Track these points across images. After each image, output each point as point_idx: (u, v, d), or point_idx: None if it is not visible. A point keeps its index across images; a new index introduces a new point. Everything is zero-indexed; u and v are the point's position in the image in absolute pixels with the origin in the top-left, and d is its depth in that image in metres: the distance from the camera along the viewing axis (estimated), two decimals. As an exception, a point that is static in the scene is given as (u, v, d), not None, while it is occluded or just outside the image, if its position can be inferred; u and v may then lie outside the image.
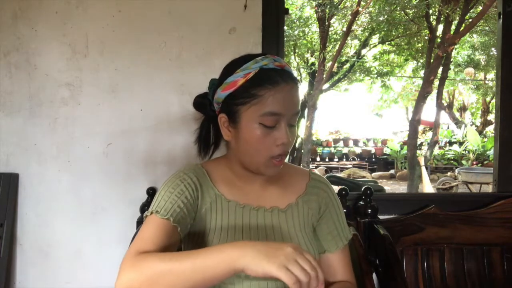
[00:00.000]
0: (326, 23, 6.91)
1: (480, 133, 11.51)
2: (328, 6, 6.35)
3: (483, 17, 5.95)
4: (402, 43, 7.97)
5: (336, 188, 1.11)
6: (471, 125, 13.55)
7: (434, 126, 7.48)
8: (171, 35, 1.55)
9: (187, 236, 0.90)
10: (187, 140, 1.56)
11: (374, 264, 1.32)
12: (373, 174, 10.36)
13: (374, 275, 1.29)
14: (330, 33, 7.35)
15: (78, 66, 1.56)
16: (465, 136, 10.79)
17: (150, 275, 0.71)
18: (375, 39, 8.24)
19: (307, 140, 7.45)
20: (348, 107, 16.89)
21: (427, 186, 6.65)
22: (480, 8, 5.74)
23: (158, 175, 1.57)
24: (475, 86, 12.95)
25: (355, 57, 8.52)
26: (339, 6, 6.76)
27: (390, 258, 1.26)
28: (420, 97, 5.90)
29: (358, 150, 12.66)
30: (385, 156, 11.56)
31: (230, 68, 0.90)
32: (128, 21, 1.55)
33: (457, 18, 5.71)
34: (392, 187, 8.94)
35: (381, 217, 1.48)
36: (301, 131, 7.48)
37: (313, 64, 8.52)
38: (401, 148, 10.64)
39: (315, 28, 7.78)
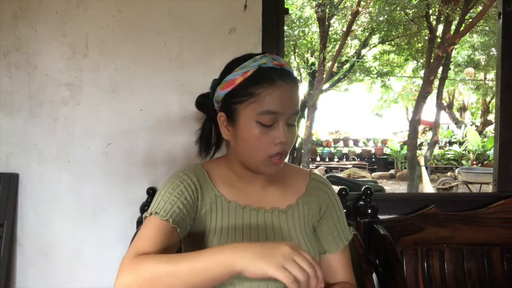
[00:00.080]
0: (326, 23, 6.91)
1: (480, 133, 11.51)
2: (328, 6, 6.35)
3: (483, 17, 5.95)
4: (402, 43, 7.97)
5: (336, 188, 1.11)
6: (471, 125, 13.55)
7: (434, 126, 7.48)
8: (171, 35, 1.55)
9: (187, 237, 0.90)
10: (187, 140, 1.55)
11: (374, 264, 1.32)
12: (373, 174, 10.36)
13: (374, 275, 1.29)
14: (330, 33, 7.35)
15: (78, 66, 1.56)
16: (465, 136, 10.79)
17: (148, 277, 0.71)
18: (375, 39, 8.24)
19: (307, 140, 7.44)
20: (348, 107, 16.89)
21: (427, 186, 6.65)
22: (480, 8, 5.74)
23: (158, 175, 1.57)
24: (475, 86, 12.95)
25: (355, 57, 8.52)
26: (339, 6, 6.76)
27: (390, 258, 1.26)
28: (420, 97, 5.90)
29: (358, 150, 12.66)
30: (385, 156, 11.55)
31: (230, 67, 0.91)
32: (128, 21, 1.55)
33: (457, 18, 5.71)
34: (392, 187, 8.94)
35: (381, 217, 1.48)
36: (301, 131, 7.48)
37: (313, 64, 8.52)
38: (401, 148, 10.64)
39: (315, 28, 7.78)
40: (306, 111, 7.24)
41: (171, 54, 1.55)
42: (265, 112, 0.85)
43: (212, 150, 1.01)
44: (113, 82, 1.56)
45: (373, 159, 11.93)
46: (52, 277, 1.59)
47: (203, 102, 0.99)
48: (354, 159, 12.20)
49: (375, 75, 9.06)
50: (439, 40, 6.10)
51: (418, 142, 9.16)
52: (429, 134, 11.48)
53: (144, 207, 1.45)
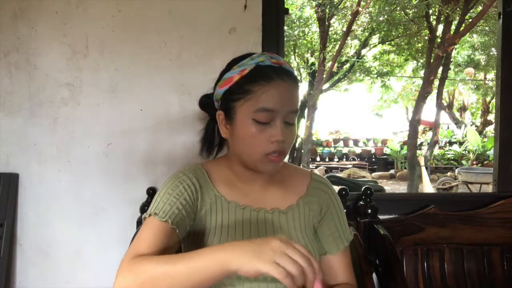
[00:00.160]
0: (326, 23, 6.92)
1: (480, 133, 11.51)
2: (328, 6, 6.35)
3: (483, 17, 5.95)
4: (402, 43, 7.97)
5: (336, 188, 1.10)
6: (471, 125, 13.55)
7: (434, 126, 7.48)
8: (171, 35, 1.55)
9: (186, 237, 0.90)
10: (187, 140, 1.56)
11: (374, 264, 1.32)
12: (373, 174, 10.36)
13: (374, 275, 1.29)
14: (330, 33, 7.35)
15: (78, 66, 1.56)
16: (465, 136, 10.79)
17: (146, 279, 0.71)
18: (375, 39, 8.24)
19: (307, 140, 7.45)
20: (348, 107, 16.90)
21: (427, 186, 6.65)
22: (480, 8, 5.74)
23: (158, 175, 1.57)
24: (475, 86, 12.95)
25: (355, 57, 8.53)
26: (339, 6, 6.76)
27: (390, 258, 1.25)
28: (420, 97, 5.90)
29: (358, 150, 12.67)
30: (385, 156, 11.56)
31: (229, 65, 0.91)
32: (128, 21, 1.55)
33: (457, 18, 5.71)
34: (392, 187, 8.95)
35: (381, 217, 1.48)
36: (301, 131, 7.48)
37: (313, 64, 8.53)
38: (401, 148, 10.64)
39: (315, 28, 7.78)
40: (306, 111, 7.24)
41: (171, 54, 1.55)
42: (261, 109, 0.84)
43: (214, 151, 1.01)
44: (113, 82, 1.56)
45: (373, 159, 11.93)
46: (52, 277, 1.59)
47: (206, 102, 0.99)
48: (354, 159, 12.20)
49: (375, 75, 9.07)
50: (439, 40, 6.10)
51: (418, 142, 9.16)
52: (429, 134, 11.48)
53: (144, 207, 1.45)
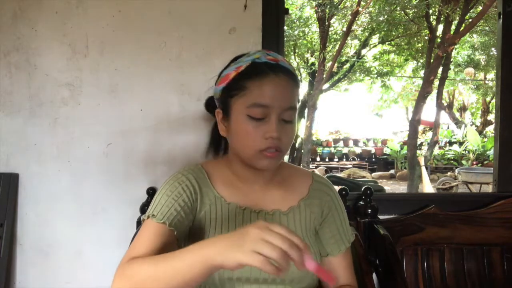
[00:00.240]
0: (326, 23, 6.92)
1: (480, 133, 11.51)
2: (328, 6, 6.35)
3: (483, 17, 5.95)
4: (402, 43, 7.98)
5: (336, 188, 1.10)
6: (471, 125, 13.55)
7: (434, 126, 7.48)
8: (171, 35, 1.55)
9: (186, 239, 0.89)
10: (187, 140, 1.55)
11: (374, 264, 1.32)
12: (373, 174, 10.36)
13: (374, 275, 1.29)
14: (330, 33, 7.35)
15: (78, 66, 1.56)
16: (465, 136, 10.79)
17: (137, 280, 0.71)
18: (375, 39, 8.25)
19: (307, 140, 7.45)
20: (348, 107, 16.91)
21: (427, 186, 6.65)
22: (480, 8, 5.74)
23: (158, 175, 1.57)
24: (475, 86, 12.96)
25: (355, 57, 8.53)
26: (339, 6, 6.76)
27: (390, 258, 1.25)
28: (420, 97, 5.90)
29: (358, 150, 12.67)
30: (385, 156, 11.56)
31: (228, 64, 0.92)
32: (128, 21, 1.55)
33: (457, 18, 5.71)
34: (392, 187, 8.95)
35: (381, 217, 1.48)
36: (301, 131, 7.48)
37: (313, 64, 8.53)
38: (401, 148, 10.64)
39: (315, 28, 7.79)
40: (306, 111, 7.24)
41: (171, 54, 1.55)
42: (254, 104, 0.83)
43: (221, 153, 1.00)
44: (113, 82, 1.56)
45: (373, 159, 11.93)
46: (52, 277, 1.59)
47: (210, 103, 0.99)
48: (354, 159, 12.21)
49: (375, 75, 9.07)
50: (439, 40, 6.11)
51: (418, 142, 9.16)
52: (429, 134, 11.48)
53: (144, 207, 1.45)
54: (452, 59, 7.94)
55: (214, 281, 0.87)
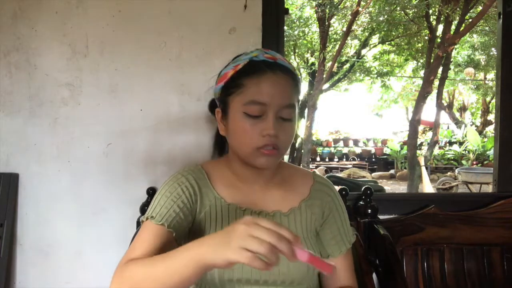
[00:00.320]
0: (326, 23, 6.92)
1: (480, 133, 11.51)
2: (328, 6, 6.35)
3: (483, 17, 5.95)
4: (402, 43, 7.98)
5: (336, 188, 1.10)
6: (471, 125, 13.55)
7: (434, 126, 7.48)
8: (171, 35, 1.55)
9: (186, 240, 0.89)
10: (187, 140, 1.55)
11: (374, 264, 1.32)
12: (373, 174, 10.37)
13: (374, 275, 1.29)
14: (330, 33, 7.35)
15: (78, 66, 1.56)
16: (465, 136, 10.79)
17: (136, 282, 0.71)
18: (375, 39, 8.24)
19: (307, 140, 7.44)
20: (348, 107, 16.91)
21: (427, 186, 6.65)
22: (480, 8, 5.74)
23: (158, 175, 1.57)
24: (475, 86, 12.96)
25: (355, 57, 8.53)
26: (339, 6, 6.76)
27: (390, 258, 1.25)
28: (420, 97, 5.90)
29: (358, 150, 12.67)
30: (385, 156, 11.56)
31: (227, 63, 0.92)
32: (128, 21, 1.55)
33: (457, 18, 5.71)
34: (392, 187, 8.95)
35: (381, 217, 1.48)
36: (301, 131, 7.48)
37: (313, 64, 8.53)
38: (401, 148, 10.64)
39: (315, 28, 7.79)
40: (306, 111, 7.24)
41: (171, 54, 1.55)
42: (251, 102, 0.83)
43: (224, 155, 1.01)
44: (113, 82, 1.56)
45: (373, 159, 11.93)
46: (52, 277, 1.59)
47: (213, 105, 0.99)
48: (354, 159, 12.21)
49: (375, 75, 9.07)
50: (439, 40, 6.11)
51: (418, 142, 9.16)
52: (429, 134, 11.48)
53: (144, 207, 1.45)
54: (452, 59, 7.95)
55: (214, 282, 0.87)
